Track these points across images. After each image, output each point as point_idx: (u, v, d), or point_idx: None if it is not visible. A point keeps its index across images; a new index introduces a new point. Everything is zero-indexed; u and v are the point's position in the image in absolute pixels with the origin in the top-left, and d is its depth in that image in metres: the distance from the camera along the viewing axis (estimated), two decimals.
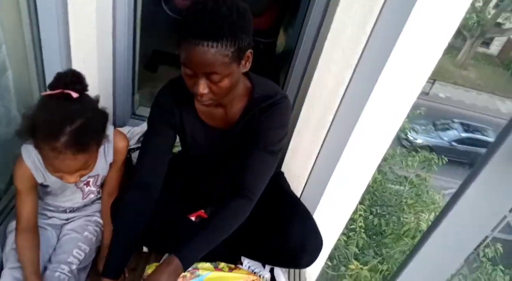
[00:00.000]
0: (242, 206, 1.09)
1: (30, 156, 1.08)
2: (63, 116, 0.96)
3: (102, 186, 1.31)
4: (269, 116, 1.10)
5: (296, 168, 1.59)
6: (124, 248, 1.11)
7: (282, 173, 1.52)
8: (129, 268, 1.32)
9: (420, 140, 9.36)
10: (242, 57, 0.95)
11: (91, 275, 1.28)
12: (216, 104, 1.08)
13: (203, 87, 0.95)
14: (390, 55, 1.26)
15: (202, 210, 1.51)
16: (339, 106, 1.45)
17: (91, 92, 1.53)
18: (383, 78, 1.33)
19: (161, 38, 2.72)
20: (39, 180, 1.12)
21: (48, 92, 0.98)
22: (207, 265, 1.23)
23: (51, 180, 1.14)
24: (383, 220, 4.07)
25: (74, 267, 1.19)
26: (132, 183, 1.16)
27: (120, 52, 1.68)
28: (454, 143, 10.24)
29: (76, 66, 1.47)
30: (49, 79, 1.46)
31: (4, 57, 1.30)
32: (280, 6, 2.60)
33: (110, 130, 1.14)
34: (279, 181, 1.45)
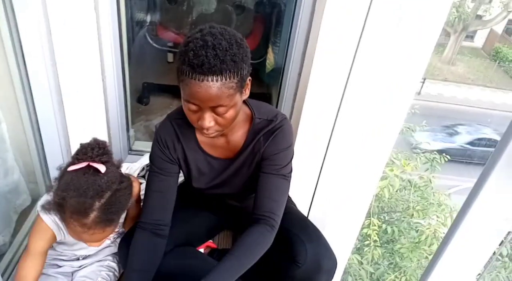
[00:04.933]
0: (265, 233, 1.08)
1: (50, 215, 1.05)
2: (92, 193, 0.93)
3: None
4: (274, 141, 1.10)
5: (301, 186, 1.57)
6: None
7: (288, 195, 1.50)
8: None
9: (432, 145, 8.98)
10: (244, 86, 0.96)
11: None
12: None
13: (209, 121, 0.95)
14: (383, 58, 1.28)
15: (211, 241, 1.48)
16: (336, 116, 1.44)
17: (86, 131, 1.53)
18: (378, 82, 1.34)
19: (150, 70, 2.74)
20: (59, 238, 1.10)
21: (75, 167, 0.96)
22: None
23: (70, 237, 1.12)
24: (395, 227, 4.01)
25: None
26: (141, 223, 1.13)
27: (111, 88, 1.66)
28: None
29: (68, 109, 1.47)
30: (43, 125, 1.46)
31: None
32: (265, 25, 2.63)
33: None
34: (287, 203, 1.42)
